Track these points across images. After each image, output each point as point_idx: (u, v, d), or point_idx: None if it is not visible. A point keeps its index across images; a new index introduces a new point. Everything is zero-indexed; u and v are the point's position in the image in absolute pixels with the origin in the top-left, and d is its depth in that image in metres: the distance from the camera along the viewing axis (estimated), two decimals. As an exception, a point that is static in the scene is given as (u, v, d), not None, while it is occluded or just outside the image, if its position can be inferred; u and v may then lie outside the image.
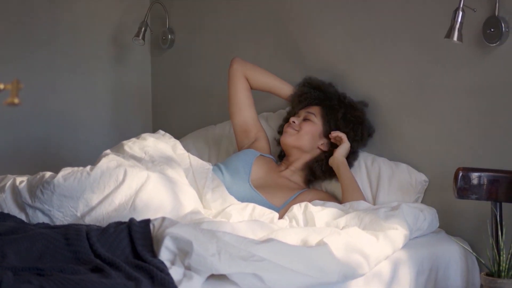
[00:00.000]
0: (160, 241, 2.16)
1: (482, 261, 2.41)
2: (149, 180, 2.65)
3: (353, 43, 3.20)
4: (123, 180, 2.62)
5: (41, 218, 2.57)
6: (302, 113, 3.14)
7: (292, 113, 3.23)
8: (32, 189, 2.61)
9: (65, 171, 2.64)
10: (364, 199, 2.94)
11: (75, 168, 2.65)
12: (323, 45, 3.30)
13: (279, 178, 3.11)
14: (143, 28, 3.95)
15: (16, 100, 1.50)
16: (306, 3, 3.38)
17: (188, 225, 2.25)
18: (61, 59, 3.93)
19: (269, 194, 2.98)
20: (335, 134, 3.04)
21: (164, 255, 2.13)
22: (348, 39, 3.22)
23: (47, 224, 2.52)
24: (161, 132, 3.08)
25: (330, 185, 3.10)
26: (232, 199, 2.85)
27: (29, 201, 2.58)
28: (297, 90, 3.22)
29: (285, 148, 3.16)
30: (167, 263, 2.11)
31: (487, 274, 2.31)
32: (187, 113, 3.97)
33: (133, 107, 4.20)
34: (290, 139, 3.11)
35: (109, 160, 2.71)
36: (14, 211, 2.59)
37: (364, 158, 3.08)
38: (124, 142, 2.92)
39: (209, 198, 2.83)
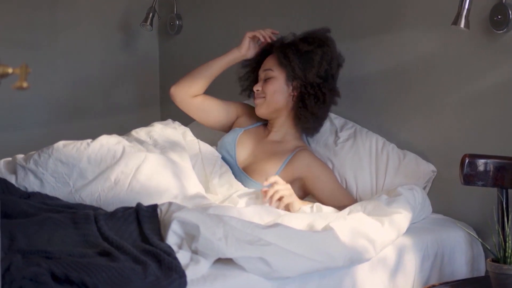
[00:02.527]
0: (168, 226, 2.18)
1: (488, 247, 2.42)
2: (147, 160, 2.67)
3: (358, 28, 3.20)
4: (121, 157, 2.67)
5: (32, 182, 2.62)
6: (262, 75, 3.04)
7: (249, 76, 3.15)
8: (29, 155, 2.69)
9: (67, 141, 2.72)
10: (354, 200, 2.89)
11: (77, 141, 2.72)
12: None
13: (267, 145, 3.03)
14: (151, 14, 3.95)
15: (24, 84, 1.51)
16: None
17: (195, 210, 2.26)
18: (70, 45, 3.94)
19: (258, 173, 2.92)
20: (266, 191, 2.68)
21: (171, 239, 2.15)
22: (354, 23, 3.21)
23: (45, 194, 2.58)
24: (170, 121, 3.12)
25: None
26: (238, 184, 2.86)
27: (23, 163, 2.65)
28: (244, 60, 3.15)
29: (263, 117, 3.08)
30: (174, 247, 2.13)
31: (492, 260, 2.32)
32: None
33: (141, 93, 4.21)
34: (261, 109, 3.03)
35: (110, 137, 2.77)
36: (4, 173, 2.64)
37: (376, 142, 3.04)
38: (134, 130, 2.97)
39: (216, 183, 2.84)
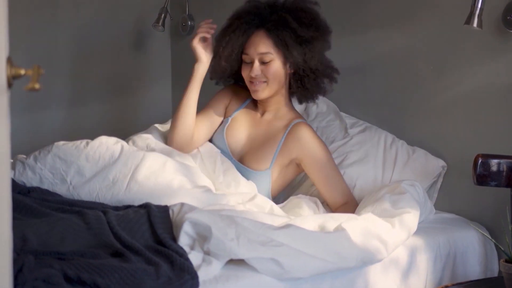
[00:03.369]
0: (180, 226, 2.18)
1: (501, 247, 2.40)
2: (146, 159, 2.67)
3: (372, 28, 3.19)
4: (119, 156, 2.69)
5: (30, 177, 2.65)
6: (254, 55, 2.83)
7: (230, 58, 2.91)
8: (31, 152, 2.73)
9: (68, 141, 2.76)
10: (349, 194, 2.86)
11: (78, 140, 2.77)
12: (342, 34, 3.29)
13: (261, 126, 2.94)
14: (163, 15, 3.96)
15: (36, 86, 1.51)
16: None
17: (207, 211, 2.26)
18: (82, 46, 3.95)
19: (255, 161, 2.86)
20: None
21: (183, 240, 2.15)
22: (367, 22, 3.21)
23: (45, 190, 2.59)
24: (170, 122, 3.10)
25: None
26: (244, 181, 2.81)
27: (23, 158, 2.68)
28: (219, 39, 2.96)
29: (262, 100, 2.94)
30: (186, 248, 2.13)
31: (506, 261, 2.31)
32: (207, 100, 3.98)
33: (153, 94, 4.21)
34: (264, 94, 2.85)
35: (109, 137, 2.80)
36: None
37: (385, 137, 3.04)
38: (131, 138, 2.99)
39: (221, 181, 2.81)
